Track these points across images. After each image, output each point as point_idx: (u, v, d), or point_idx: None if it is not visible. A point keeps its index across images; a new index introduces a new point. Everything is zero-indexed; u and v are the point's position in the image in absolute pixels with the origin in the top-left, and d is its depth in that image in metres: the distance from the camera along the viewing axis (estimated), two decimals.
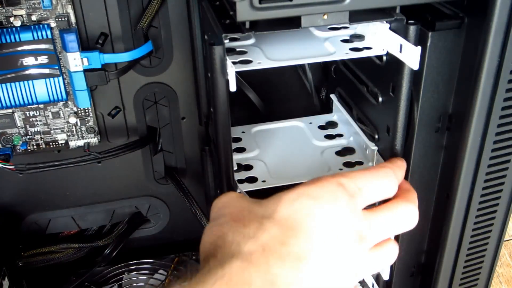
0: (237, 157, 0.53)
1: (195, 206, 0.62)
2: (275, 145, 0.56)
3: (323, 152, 0.55)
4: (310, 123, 0.60)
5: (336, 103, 0.60)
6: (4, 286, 0.60)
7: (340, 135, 0.58)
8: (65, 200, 0.66)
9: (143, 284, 0.68)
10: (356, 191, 0.35)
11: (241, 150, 0.55)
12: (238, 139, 0.57)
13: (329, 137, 0.57)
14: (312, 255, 0.32)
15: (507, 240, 0.95)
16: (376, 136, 0.50)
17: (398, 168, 0.40)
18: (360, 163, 0.52)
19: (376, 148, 0.50)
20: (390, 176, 0.38)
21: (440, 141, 0.46)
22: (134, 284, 0.68)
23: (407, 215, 0.37)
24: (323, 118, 0.61)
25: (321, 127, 0.60)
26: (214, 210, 0.38)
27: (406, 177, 0.47)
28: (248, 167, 0.52)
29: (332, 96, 0.61)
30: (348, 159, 0.53)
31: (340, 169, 0.51)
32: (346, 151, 0.54)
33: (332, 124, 0.60)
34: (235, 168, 0.50)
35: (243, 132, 0.59)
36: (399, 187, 0.38)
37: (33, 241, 0.67)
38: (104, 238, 0.68)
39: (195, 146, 0.65)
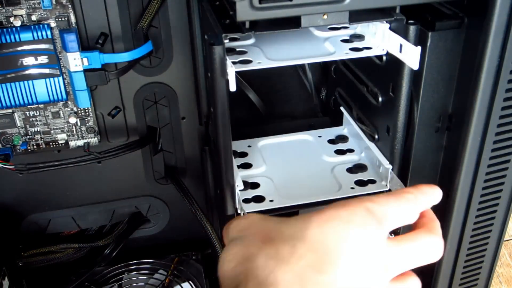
0: (243, 174, 0.51)
1: (195, 206, 0.62)
2: (283, 160, 0.54)
3: (334, 169, 0.52)
4: (319, 136, 0.58)
5: (347, 116, 0.58)
6: (4, 286, 0.60)
7: (351, 150, 0.55)
8: (65, 200, 0.66)
9: (143, 284, 0.68)
10: (383, 217, 0.34)
11: (247, 166, 0.53)
12: (244, 154, 0.55)
13: (340, 152, 0.55)
14: (346, 285, 0.31)
15: (507, 240, 0.95)
16: (376, 136, 0.50)
17: (422, 194, 0.37)
18: (373, 181, 0.50)
19: (390, 167, 0.48)
20: (412, 203, 0.36)
21: (440, 141, 0.46)
22: (134, 284, 0.68)
23: (432, 247, 0.36)
24: (332, 132, 0.59)
25: (331, 141, 0.57)
26: (234, 231, 0.35)
27: (406, 177, 0.47)
28: (255, 185, 0.50)
29: (342, 109, 0.59)
30: (360, 177, 0.50)
31: (352, 188, 0.49)
32: (357, 168, 0.52)
33: (342, 138, 0.57)
34: (242, 187, 0.48)
35: (249, 146, 0.57)
36: (423, 215, 0.37)
37: (33, 241, 0.67)
38: (104, 238, 0.68)
39: (195, 146, 0.65)
